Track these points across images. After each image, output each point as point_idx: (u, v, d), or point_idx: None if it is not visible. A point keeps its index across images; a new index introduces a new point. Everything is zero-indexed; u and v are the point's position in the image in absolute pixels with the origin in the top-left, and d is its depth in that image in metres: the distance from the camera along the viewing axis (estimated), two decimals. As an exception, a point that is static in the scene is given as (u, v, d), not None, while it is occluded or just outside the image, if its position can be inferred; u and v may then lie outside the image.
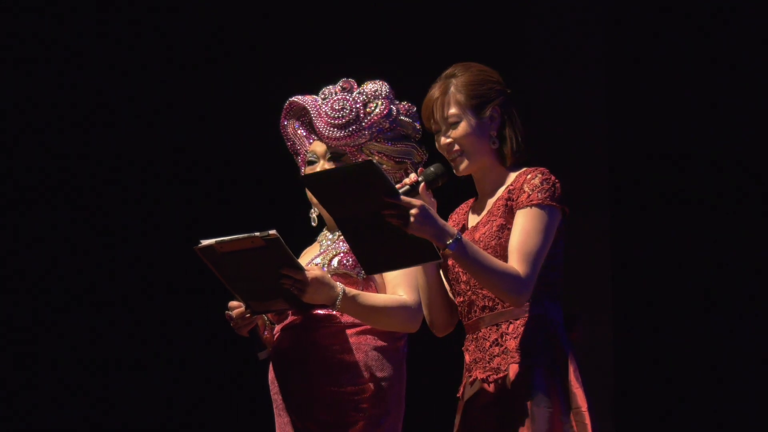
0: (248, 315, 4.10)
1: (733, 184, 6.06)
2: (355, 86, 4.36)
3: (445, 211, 3.76)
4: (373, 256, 3.56)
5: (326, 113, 4.28)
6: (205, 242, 3.93)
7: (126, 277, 6.60)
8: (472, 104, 3.68)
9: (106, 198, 6.60)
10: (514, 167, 3.73)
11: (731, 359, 6.01)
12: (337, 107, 4.27)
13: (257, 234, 3.89)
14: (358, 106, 4.27)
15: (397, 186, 3.62)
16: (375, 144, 4.28)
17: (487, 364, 3.63)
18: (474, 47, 6.14)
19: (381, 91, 4.31)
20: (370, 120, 4.27)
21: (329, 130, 4.27)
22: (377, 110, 4.27)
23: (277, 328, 4.25)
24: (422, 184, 3.62)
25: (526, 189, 3.60)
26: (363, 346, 4.14)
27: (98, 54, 6.55)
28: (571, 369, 3.57)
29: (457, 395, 3.74)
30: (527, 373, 3.56)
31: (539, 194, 3.58)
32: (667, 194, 6.15)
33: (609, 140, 6.28)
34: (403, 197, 3.44)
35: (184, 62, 6.62)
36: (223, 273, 3.99)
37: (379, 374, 4.12)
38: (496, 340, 3.63)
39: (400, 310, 4.09)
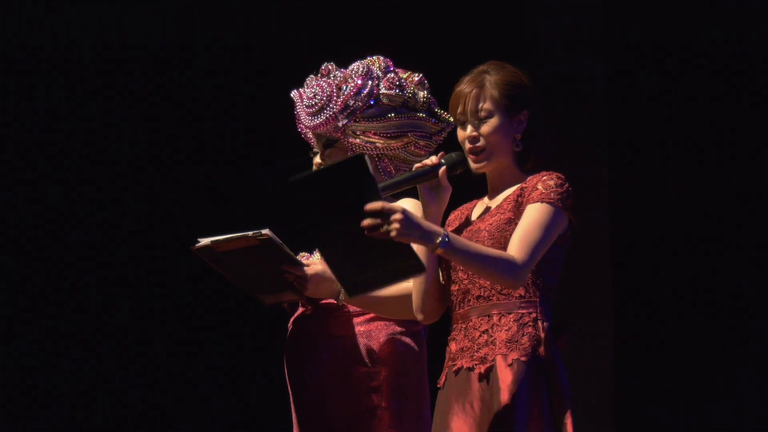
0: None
1: (735, 181, 6.03)
2: (333, 70, 4.24)
3: (453, 206, 3.79)
4: (354, 277, 3.36)
5: (304, 102, 4.21)
6: (202, 242, 3.90)
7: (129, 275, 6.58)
8: (504, 104, 3.69)
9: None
10: (531, 171, 3.74)
11: (732, 359, 6.03)
12: (310, 95, 4.19)
13: (250, 234, 3.84)
14: (332, 89, 4.16)
15: (416, 166, 3.63)
16: (356, 124, 4.17)
17: (475, 353, 3.62)
18: (474, 36, 6.09)
19: (358, 69, 4.21)
20: (340, 102, 4.15)
21: (307, 120, 4.21)
22: (347, 90, 4.16)
23: (290, 320, 4.20)
24: (443, 168, 3.62)
25: (540, 187, 3.62)
26: (375, 333, 4.08)
27: (90, 40, 6.53)
28: (557, 370, 3.57)
29: (438, 386, 3.72)
30: (514, 366, 3.55)
31: (552, 194, 3.60)
32: (668, 192, 6.14)
33: (609, 138, 6.30)
34: (383, 204, 3.29)
35: (184, 50, 6.58)
36: (225, 271, 3.96)
37: (394, 359, 4.07)
38: (487, 330, 3.62)
39: (406, 299, 3.96)
